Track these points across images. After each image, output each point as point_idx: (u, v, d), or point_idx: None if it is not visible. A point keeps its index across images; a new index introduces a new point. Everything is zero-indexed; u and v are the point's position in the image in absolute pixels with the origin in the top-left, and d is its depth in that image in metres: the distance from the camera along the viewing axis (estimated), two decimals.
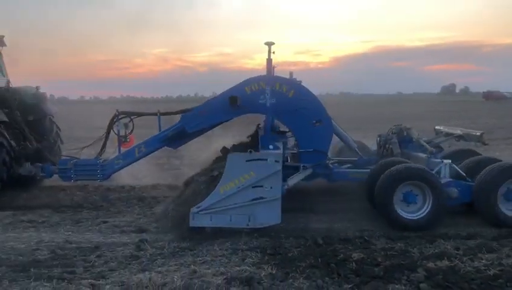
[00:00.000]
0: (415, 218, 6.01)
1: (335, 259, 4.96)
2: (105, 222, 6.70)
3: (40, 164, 8.13)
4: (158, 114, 7.60)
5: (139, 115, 7.77)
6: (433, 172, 6.29)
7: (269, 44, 6.72)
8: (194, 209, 5.72)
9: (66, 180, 8.02)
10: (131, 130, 7.61)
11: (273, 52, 6.69)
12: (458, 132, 8.08)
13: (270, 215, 5.71)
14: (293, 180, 6.51)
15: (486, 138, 7.64)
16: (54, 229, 6.34)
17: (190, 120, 7.12)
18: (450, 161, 6.57)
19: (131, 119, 7.65)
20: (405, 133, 7.96)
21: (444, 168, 6.48)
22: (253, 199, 5.70)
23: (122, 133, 7.48)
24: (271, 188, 5.69)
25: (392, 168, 6.19)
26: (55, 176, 7.95)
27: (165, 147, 7.51)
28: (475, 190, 6.16)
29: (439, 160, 6.79)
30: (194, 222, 5.74)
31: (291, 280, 4.46)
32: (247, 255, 5.13)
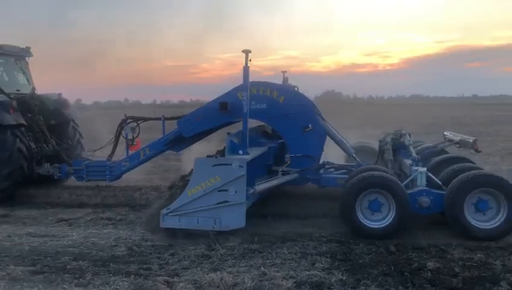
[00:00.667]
0: (378, 226, 5.83)
1: (409, 268, 4.79)
2: None
3: (58, 165, 8.66)
4: (162, 119, 7.88)
5: (145, 119, 8.06)
6: (409, 180, 6.24)
7: (246, 52, 6.61)
8: (164, 211, 5.98)
9: (79, 180, 8.52)
10: (138, 134, 7.86)
11: (250, 60, 6.62)
12: (458, 138, 7.74)
13: (234, 219, 5.83)
14: (263, 185, 6.37)
15: (479, 146, 7.29)
16: (131, 227, 6.64)
17: (186, 125, 7.35)
18: (425, 169, 6.28)
19: (138, 124, 7.94)
20: (401, 139, 7.59)
21: (420, 177, 6.21)
22: (219, 203, 5.83)
23: (129, 136, 7.72)
24: (235, 192, 5.78)
25: (356, 176, 6.09)
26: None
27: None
28: (445, 199, 5.83)
29: (415, 168, 6.41)
30: (164, 223, 6.00)
31: (363, 287, 4.37)
32: (317, 260, 5.09)
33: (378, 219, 5.90)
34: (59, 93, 10.08)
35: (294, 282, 4.47)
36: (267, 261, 5.11)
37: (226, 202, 5.84)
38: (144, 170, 9.83)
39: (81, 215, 7.42)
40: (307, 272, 4.71)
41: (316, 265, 4.94)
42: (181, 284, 4.50)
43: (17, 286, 4.59)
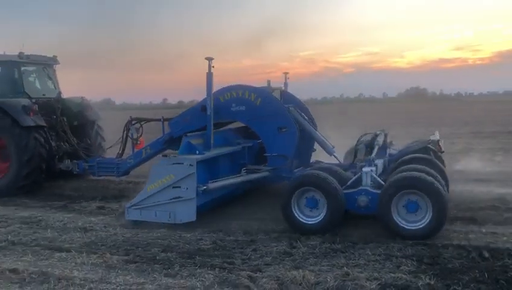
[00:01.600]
0: (312, 223, 6.09)
1: (505, 275, 4.46)
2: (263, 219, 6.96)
3: (76, 161, 9.64)
4: (162, 120, 8.43)
5: (148, 120, 8.63)
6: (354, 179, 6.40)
7: (209, 59, 7.14)
8: (127, 205, 6.79)
9: (93, 175, 9.61)
10: (141, 134, 8.38)
11: (213, 67, 7.18)
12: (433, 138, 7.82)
13: (186, 213, 6.35)
14: (217, 183, 6.64)
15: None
16: (215, 222, 6.86)
17: (175, 126, 7.97)
18: (369, 169, 6.35)
19: (141, 125, 8.45)
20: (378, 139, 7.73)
21: (365, 176, 6.24)
22: (172, 198, 6.42)
23: (134, 136, 8.08)
24: (187, 189, 6.33)
25: (295, 175, 6.54)
26: None
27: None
28: (378, 199, 5.90)
29: (363, 168, 6.48)
30: (127, 216, 6.77)
31: None
32: (402, 263, 4.91)
33: (314, 215, 6.13)
34: (82, 97, 11.09)
35: (379, 284, 4.36)
36: (350, 261, 5.03)
37: (179, 197, 6.40)
38: None
39: None
40: (392, 275, 4.56)
41: (401, 268, 4.77)
42: (264, 280, 4.57)
43: (112, 272, 4.94)
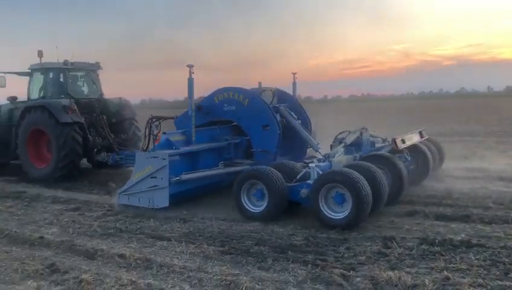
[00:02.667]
0: (256, 211, 6.82)
1: None
2: None
3: (110, 154, 11.07)
4: (175, 118, 9.12)
5: (165, 118, 9.18)
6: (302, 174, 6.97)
7: (190, 66, 7.93)
8: (118, 191, 7.79)
9: (124, 166, 10.93)
10: (159, 130, 8.70)
11: (193, 73, 7.99)
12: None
13: (161, 200, 7.32)
14: (190, 175, 7.49)
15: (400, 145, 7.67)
16: (309, 219, 6.83)
17: (179, 124, 8.83)
18: (315, 165, 6.93)
19: (160, 122, 8.92)
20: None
21: (312, 171, 6.81)
22: (151, 187, 7.39)
23: (155, 132, 8.46)
24: (161, 179, 7.27)
25: (245, 170, 7.41)
26: None
27: None
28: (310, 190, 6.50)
29: (310, 163, 7.17)
30: (118, 201, 7.75)
31: None
32: (511, 270, 4.54)
33: (259, 205, 6.84)
34: (120, 97, 12.55)
35: None
36: (450, 265, 4.75)
37: (155, 186, 7.36)
38: None
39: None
40: (499, 282, 4.24)
41: (510, 275, 4.41)
42: (357, 279, 4.49)
43: (209, 262, 5.16)
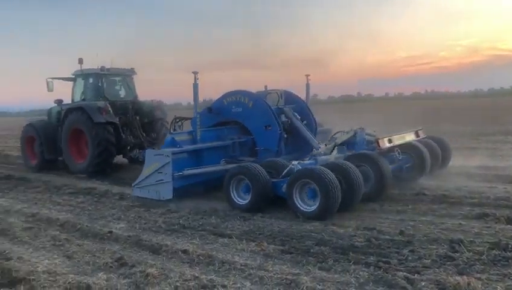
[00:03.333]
0: (242, 203, 7.59)
1: None
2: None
3: (141, 151, 11.88)
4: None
5: (186, 119, 10.14)
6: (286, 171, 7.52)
7: (195, 73, 8.79)
8: (133, 184, 8.76)
9: None
10: (181, 129, 9.83)
11: (198, 79, 8.81)
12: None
13: (166, 192, 8.15)
14: (192, 171, 8.33)
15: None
16: (373, 218, 6.73)
17: (193, 124, 9.33)
18: (297, 163, 7.62)
19: (182, 122, 10.02)
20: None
21: (294, 168, 7.44)
22: (158, 181, 8.27)
23: (178, 132, 9.34)
24: (166, 174, 8.12)
25: (232, 167, 8.04)
26: None
27: None
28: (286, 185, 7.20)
29: (292, 161, 7.79)
30: (133, 193, 8.78)
31: None
32: None
33: (245, 198, 7.60)
34: (153, 100, 14.07)
35: None
36: None
37: (161, 180, 8.23)
38: None
39: None
40: None
41: None
42: (423, 283, 4.35)
43: (269, 261, 5.20)
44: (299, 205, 6.94)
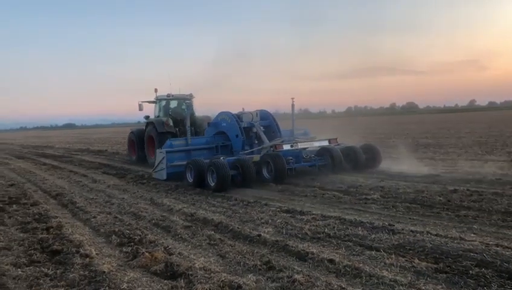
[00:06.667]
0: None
1: None
2: None
3: None
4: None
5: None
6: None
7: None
8: (152, 170, 14.28)
9: None
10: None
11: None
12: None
13: (163, 175, 13.40)
14: (176, 163, 13.33)
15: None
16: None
17: (206, 132, 15.67)
18: (222, 157, 12.44)
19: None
20: None
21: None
22: (161, 168, 13.51)
23: None
24: (163, 164, 13.32)
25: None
26: None
27: None
28: None
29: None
30: (153, 176, 14.04)
31: None
32: None
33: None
34: (204, 115, 19.01)
35: None
36: None
37: (162, 168, 13.39)
38: None
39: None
40: None
41: None
42: None
43: (421, 279, 4.87)
44: (209, 183, 11.57)
